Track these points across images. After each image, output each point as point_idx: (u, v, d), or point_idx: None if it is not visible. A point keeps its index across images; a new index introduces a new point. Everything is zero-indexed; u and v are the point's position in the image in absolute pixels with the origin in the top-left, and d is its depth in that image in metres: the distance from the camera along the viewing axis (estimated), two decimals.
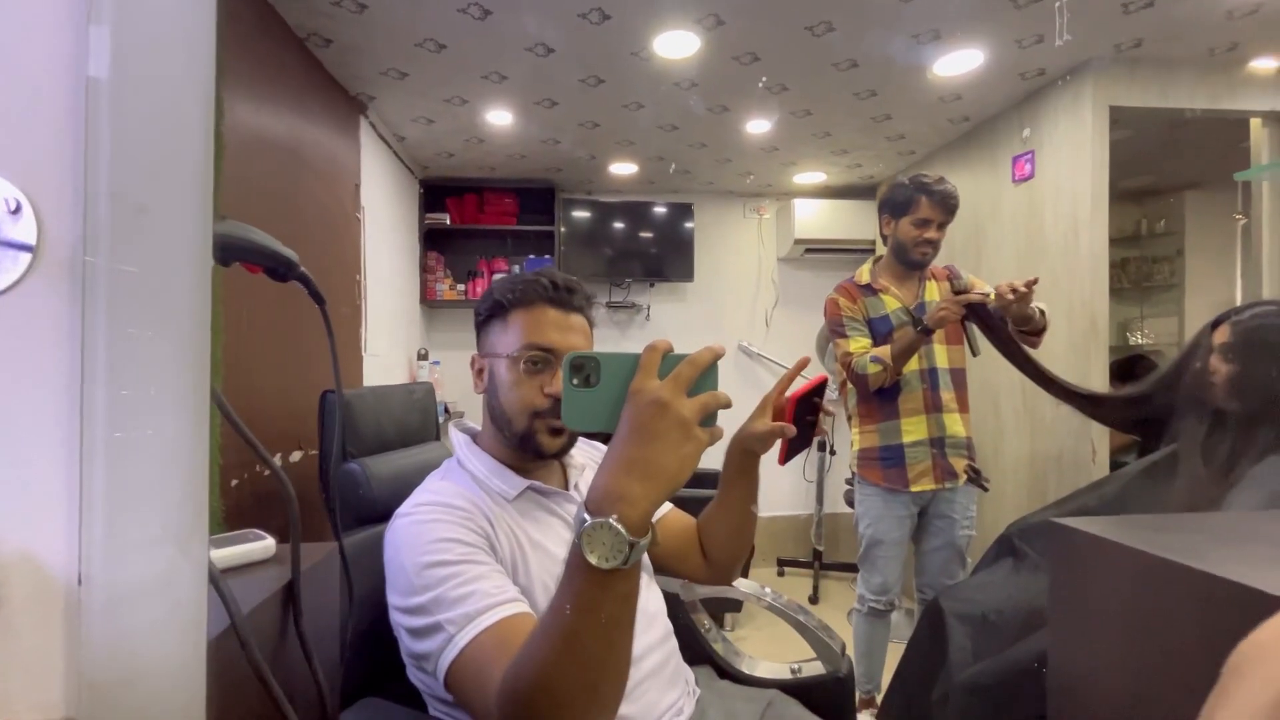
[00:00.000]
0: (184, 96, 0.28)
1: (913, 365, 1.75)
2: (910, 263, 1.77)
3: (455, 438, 0.88)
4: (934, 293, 1.81)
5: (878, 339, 1.77)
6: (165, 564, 0.27)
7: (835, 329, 1.82)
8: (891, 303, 1.80)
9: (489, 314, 0.84)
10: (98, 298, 0.28)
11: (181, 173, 0.28)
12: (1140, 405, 1.29)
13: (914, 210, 1.72)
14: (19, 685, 0.29)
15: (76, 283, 0.29)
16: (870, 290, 1.82)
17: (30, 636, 0.29)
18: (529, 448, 0.82)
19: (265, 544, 0.53)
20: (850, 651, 1.19)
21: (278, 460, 1.50)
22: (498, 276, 0.88)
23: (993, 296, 1.58)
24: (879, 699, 1.85)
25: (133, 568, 0.27)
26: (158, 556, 0.27)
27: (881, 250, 1.89)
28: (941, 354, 1.78)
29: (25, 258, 0.29)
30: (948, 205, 1.72)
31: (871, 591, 1.83)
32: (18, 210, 0.29)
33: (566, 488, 0.88)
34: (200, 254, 0.29)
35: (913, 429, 1.75)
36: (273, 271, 0.61)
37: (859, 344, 1.76)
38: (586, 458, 0.96)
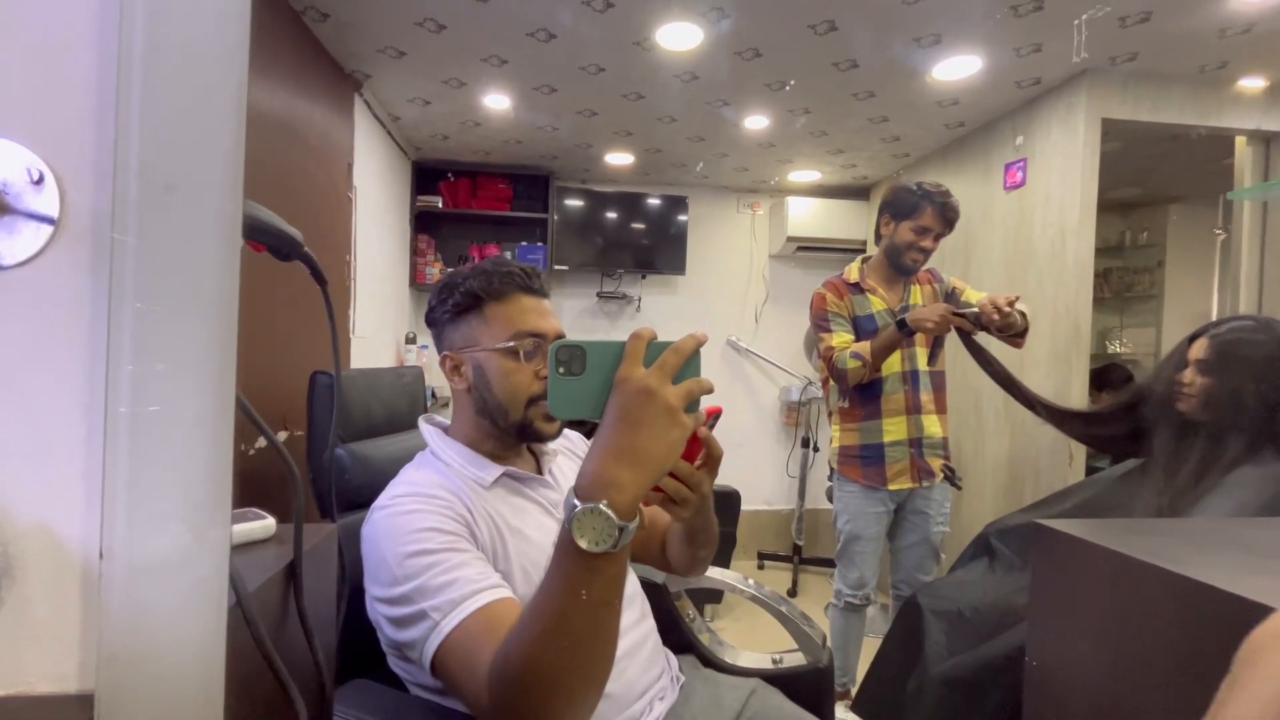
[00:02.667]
0: (217, 72, 0.28)
1: (895, 367, 1.78)
2: (901, 267, 1.80)
3: (426, 431, 0.88)
4: (918, 296, 1.84)
5: (861, 337, 1.79)
6: (187, 540, 0.28)
7: (819, 323, 1.84)
8: (878, 303, 1.82)
9: (461, 308, 0.84)
10: (124, 273, 0.28)
11: (213, 150, 0.28)
12: (1119, 420, 1.32)
13: (917, 216, 1.73)
14: (34, 656, 0.29)
15: (99, 257, 0.29)
16: (858, 289, 1.84)
17: (46, 608, 0.29)
18: (527, 435, 0.83)
19: (266, 523, 0.53)
20: (831, 649, 1.21)
21: (264, 441, 1.48)
22: (453, 272, 0.89)
23: (974, 302, 1.62)
24: (854, 691, 1.90)
25: (155, 543, 0.27)
26: (180, 532, 0.28)
27: (872, 250, 1.91)
28: (922, 357, 1.82)
29: (47, 230, 0.29)
30: (949, 218, 1.74)
31: (849, 586, 1.87)
32: (40, 181, 0.29)
33: (540, 474, 0.90)
34: (229, 233, 0.29)
35: (893, 429, 1.79)
36: (276, 251, 0.60)
37: (841, 338, 1.79)
38: (557, 444, 0.98)
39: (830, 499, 1.94)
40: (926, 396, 1.81)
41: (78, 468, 0.29)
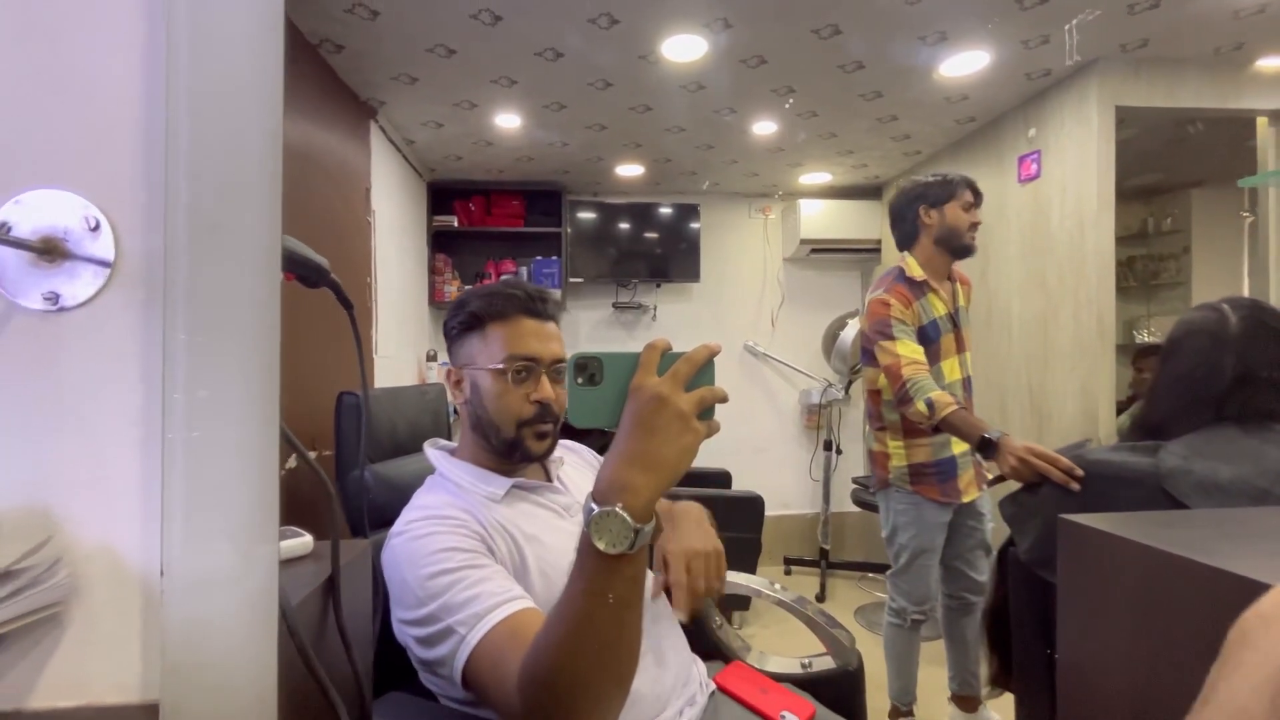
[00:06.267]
0: (256, 118, 0.30)
1: (955, 374, 1.69)
2: (962, 249, 1.69)
3: (433, 455, 0.90)
4: (962, 297, 1.76)
5: (927, 345, 1.67)
6: (240, 556, 0.29)
7: (881, 330, 1.66)
8: (939, 306, 1.70)
9: (465, 326, 0.87)
10: (175, 309, 0.30)
11: (253, 191, 0.30)
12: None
13: (960, 195, 1.67)
14: (100, 668, 0.31)
15: (151, 295, 0.31)
16: (923, 289, 1.70)
17: (111, 623, 0.31)
18: (517, 453, 0.85)
19: (304, 540, 0.56)
20: (860, 652, 1.19)
21: (294, 461, 1.52)
22: (470, 289, 0.93)
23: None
24: (916, 709, 1.84)
25: (210, 559, 0.29)
26: (233, 549, 0.29)
27: (888, 251, 1.88)
28: (969, 361, 1.75)
29: (104, 272, 0.32)
30: (978, 190, 1.70)
31: (914, 603, 1.75)
32: (97, 228, 0.31)
33: (548, 480, 0.92)
34: (270, 267, 0.31)
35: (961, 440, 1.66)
36: (304, 279, 0.63)
37: (910, 348, 1.62)
38: (562, 450, 1.00)
39: (856, 502, 1.89)
40: (971, 401, 1.75)
41: (137, 491, 0.31)
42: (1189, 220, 3.40)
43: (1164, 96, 2.03)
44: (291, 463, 1.55)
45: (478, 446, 0.88)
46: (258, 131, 0.30)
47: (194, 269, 0.30)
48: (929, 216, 1.70)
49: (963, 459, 1.71)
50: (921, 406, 1.55)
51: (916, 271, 1.71)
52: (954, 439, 1.67)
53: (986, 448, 1.41)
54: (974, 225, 1.69)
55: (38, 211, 0.31)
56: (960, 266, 1.85)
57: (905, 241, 1.77)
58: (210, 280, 0.30)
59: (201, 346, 0.30)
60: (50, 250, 0.31)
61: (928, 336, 1.69)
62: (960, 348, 1.74)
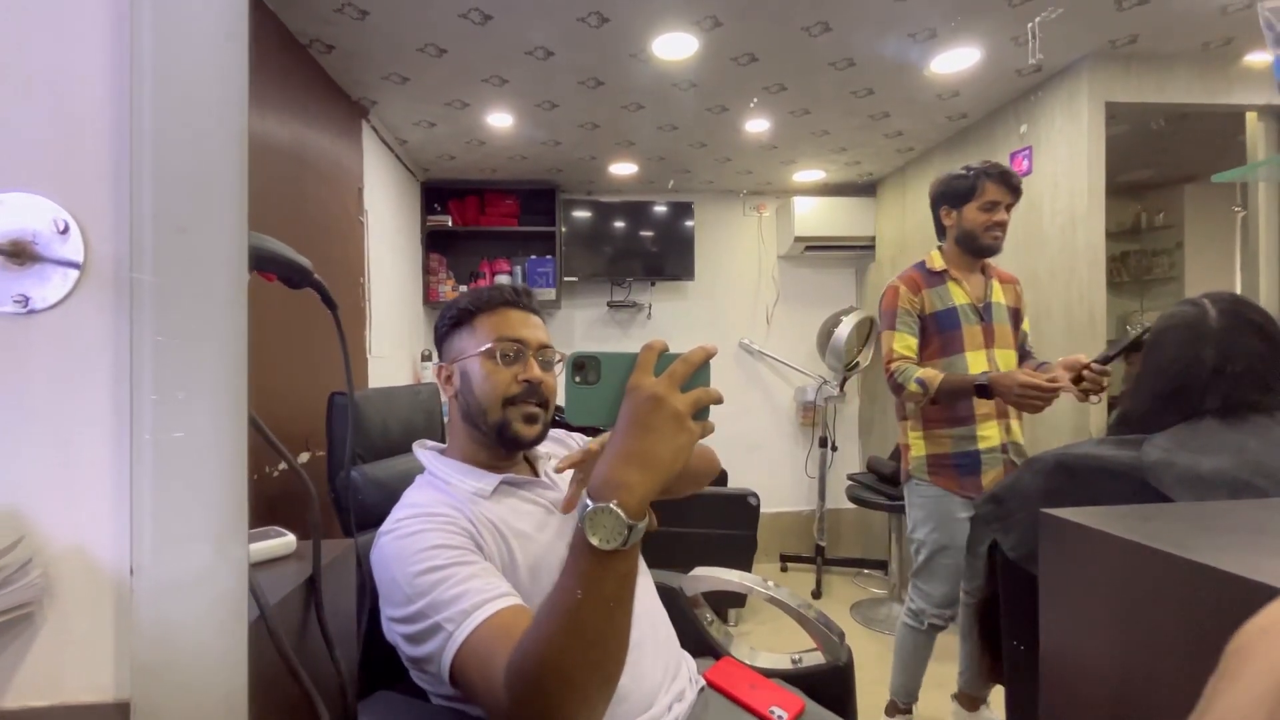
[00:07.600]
0: (221, 124, 0.30)
1: (983, 367, 1.68)
2: (981, 249, 1.70)
3: (422, 454, 0.92)
4: (999, 294, 1.74)
5: (941, 331, 1.69)
6: (209, 557, 0.30)
7: (887, 318, 1.73)
8: (960, 295, 1.70)
9: (454, 323, 0.90)
10: (144, 311, 0.30)
11: (219, 194, 0.31)
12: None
13: (979, 195, 1.66)
14: (73, 668, 0.31)
15: (120, 297, 0.32)
16: (941, 278, 1.72)
17: (83, 624, 0.31)
18: (506, 436, 0.86)
19: (286, 540, 0.56)
20: (854, 650, 1.19)
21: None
22: (455, 295, 1.01)
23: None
24: (915, 708, 1.83)
25: (180, 560, 0.29)
26: (202, 550, 0.30)
27: (885, 245, 1.88)
28: (1006, 359, 1.72)
29: (73, 274, 0.32)
30: (1014, 185, 1.67)
31: (935, 605, 1.70)
32: (66, 230, 0.32)
33: (536, 476, 0.93)
34: (237, 268, 0.31)
35: (988, 435, 1.67)
36: (288, 280, 0.63)
37: (904, 342, 1.68)
38: (551, 448, 1.01)
39: (852, 499, 1.89)
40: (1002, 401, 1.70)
41: (108, 492, 0.31)
42: (1181, 215, 3.41)
43: (1154, 92, 2.04)
44: (284, 464, 1.55)
45: (468, 439, 0.89)
46: (223, 133, 0.30)
47: (162, 271, 0.30)
48: (949, 218, 1.74)
49: (989, 455, 1.67)
50: (914, 387, 1.62)
51: (937, 263, 1.75)
52: (980, 434, 1.67)
53: (984, 392, 1.56)
54: (995, 225, 1.67)
55: (6, 214, 0.31)
56: None
57: (938, 235, 1.81)
58: (178, 282, 0.30)
59: (171, 348, 0.30)
60: (19, 253, 0.31)
61: (941, 323, 1.70)
62: (990, 342, 1.71)
